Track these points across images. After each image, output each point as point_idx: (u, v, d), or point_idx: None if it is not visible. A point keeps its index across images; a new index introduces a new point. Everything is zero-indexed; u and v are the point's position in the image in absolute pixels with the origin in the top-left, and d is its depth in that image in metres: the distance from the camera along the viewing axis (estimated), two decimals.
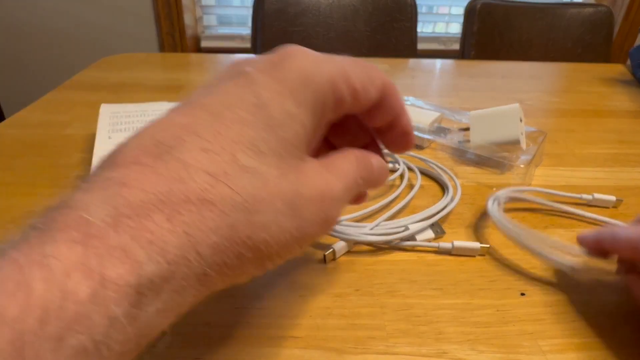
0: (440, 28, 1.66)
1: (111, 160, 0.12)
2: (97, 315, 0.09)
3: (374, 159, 0.18)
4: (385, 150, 0.21)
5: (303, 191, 0.14)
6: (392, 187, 0.35)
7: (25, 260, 0.09)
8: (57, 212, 0.11)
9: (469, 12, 1.09)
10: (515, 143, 0.37)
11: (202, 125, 0.13)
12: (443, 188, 0.35)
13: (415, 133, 0.41)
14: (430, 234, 0.29)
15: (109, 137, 0.33)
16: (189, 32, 1.49)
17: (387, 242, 0.28)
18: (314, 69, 0.15)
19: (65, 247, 0.10)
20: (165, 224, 0.11)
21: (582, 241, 0.24)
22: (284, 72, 0.14)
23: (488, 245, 0.28)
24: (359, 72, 0.16)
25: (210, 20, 1.62)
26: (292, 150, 0.14)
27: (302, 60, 0.15)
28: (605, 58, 1.10)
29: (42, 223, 0.10)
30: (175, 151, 0.12)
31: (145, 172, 0.11)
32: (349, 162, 0.17)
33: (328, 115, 0.16)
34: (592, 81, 0.69)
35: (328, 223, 0.16)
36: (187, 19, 1.48)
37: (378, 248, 0.28)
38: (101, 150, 0.31)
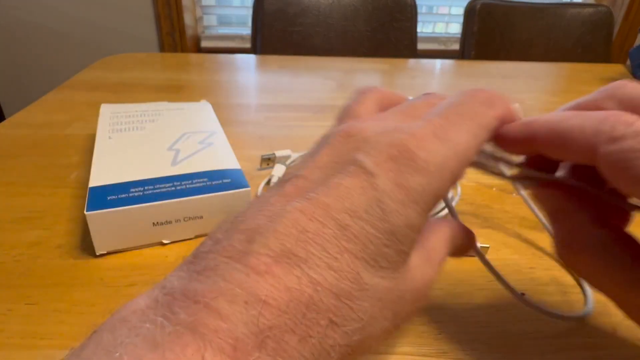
0: (440, 28, 1.66)
1: (244, 259, 0.13)
2: None
3: (467, 235, 0.19)
4: None
5: (407, 295, 0.15)
6: None
7: None
8: (204, 313, 0.12)
9: (469, 12, 1.09)
10: None
11: (328, 238, 0.13)
12: None
13: None
14: None
15: (109, 137, 0.32)
16: (189, 32, 1.50)
17: None
18: (438, 172, 0.14)
19: None
20: (297, 346, 0.12)
21: (506, 135, 0.18)
22: (406, 178, 0.14)
23: (488, 245, 0.28)
24: (479, 144, 0.16)
25: (210, 20, 1.62)
26: (405, 258, 0.15)
27: (424, 165, 0.14)
28: (605, 58, 1.10)
29: (191, 322, 0.11)
30: (304, 265, 0.13)
31: (279, 288, 0.12)
32: (444, 243, 0.18)
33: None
34: (592, 81, 0.69)
35: (416, 314, 0.17)
36: (187, 19, 1.48)
37: None
38: (101, 150, 0.31)
